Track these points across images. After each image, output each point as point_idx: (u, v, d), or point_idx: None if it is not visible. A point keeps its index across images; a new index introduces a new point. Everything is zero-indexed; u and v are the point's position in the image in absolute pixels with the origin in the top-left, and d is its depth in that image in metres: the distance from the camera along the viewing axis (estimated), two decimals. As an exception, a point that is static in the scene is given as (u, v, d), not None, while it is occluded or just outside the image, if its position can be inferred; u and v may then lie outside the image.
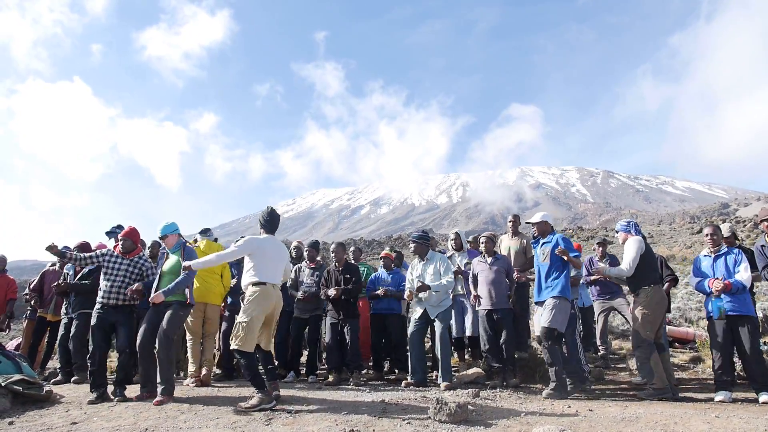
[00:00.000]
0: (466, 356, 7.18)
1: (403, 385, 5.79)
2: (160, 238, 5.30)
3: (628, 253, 5.30)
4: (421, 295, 5.92)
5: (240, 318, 4.53)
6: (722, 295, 5.06)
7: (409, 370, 5.99)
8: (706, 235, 5.49)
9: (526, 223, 6.09)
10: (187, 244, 5.45)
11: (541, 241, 5.62)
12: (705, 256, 5.46)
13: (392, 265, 7.15)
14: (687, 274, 20.11)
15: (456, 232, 7.15)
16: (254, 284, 4.63)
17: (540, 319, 5.38)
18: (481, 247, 6.24)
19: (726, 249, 5.36)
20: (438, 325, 5.88)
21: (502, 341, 5.82)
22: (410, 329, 6.06)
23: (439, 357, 5.85)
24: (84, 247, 6.75)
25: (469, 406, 4.09)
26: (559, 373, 5.14)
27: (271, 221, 4.96)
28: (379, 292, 6.57)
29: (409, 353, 6.11)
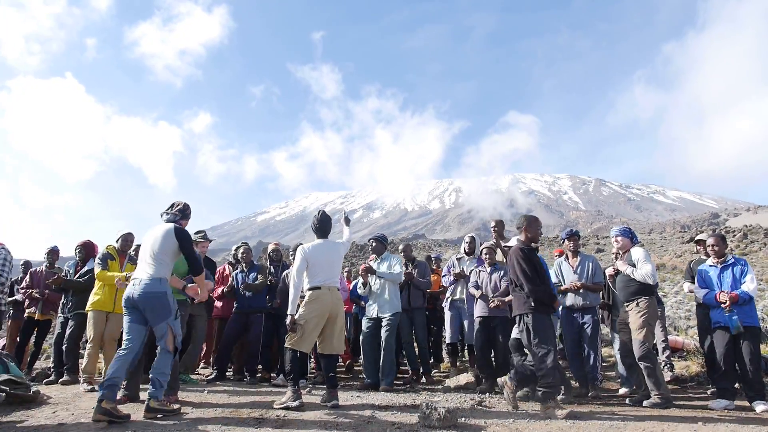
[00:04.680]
0: (458, 362, 7.20)
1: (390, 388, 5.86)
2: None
3: (647, 264, 5.14)
4: (369, 280, 6.25)
5: (298, 320, 4.67)
6: (734, 309, 4.99)
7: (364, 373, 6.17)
8: (710, 245, 5.39)
9: (505, 246, 6.10)
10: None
11: None
12: (711, 266, 5.37)
13: None
14: (677, 282, 20.26)
15: (471, 236, 7.22)
16: (309, 289, 4.81)
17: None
18: (484, 257, 6.28)
19: (732, 260, 5.30)
20: (384, 330, 5.98)
21: (496, 348, 5.86)
22: (363, 333, 6.22)
23: (383, 361, 5.93)
24: (87, 246, 6.70)
25: (459, 411, 4.10)
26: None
27: (321, 226, 5.05)
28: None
29: (362, 356, 6.30)
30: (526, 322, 4.68)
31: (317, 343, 4.87)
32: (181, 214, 4.56)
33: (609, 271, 5.80)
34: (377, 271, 6.18)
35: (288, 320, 4.67)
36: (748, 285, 5.07)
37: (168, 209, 4.58)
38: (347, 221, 5.68)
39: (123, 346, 4.17)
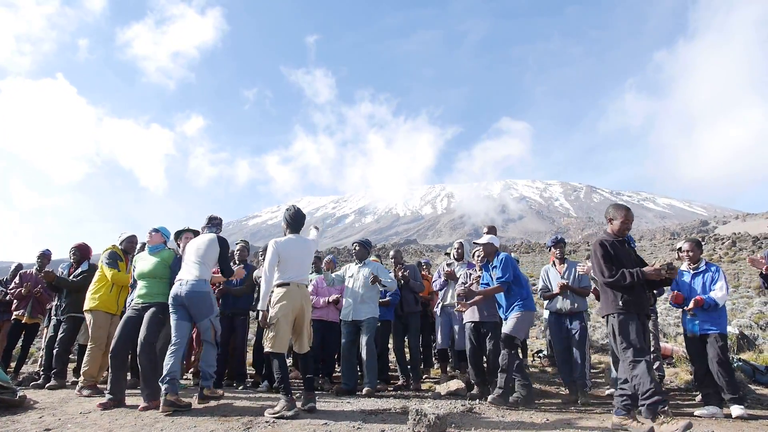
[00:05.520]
0: (448, 368, 7.20)
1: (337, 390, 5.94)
2: (155, 231, 5.35)
3: None
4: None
5: (268, 320, 4.63)
6: (696, 314, 5.12)
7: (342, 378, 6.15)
8: (685, 251, 5.50)
9: (474, 243, 6.11)
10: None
11: (491, 265, 5.72)
12: (685, 271, 5.48)
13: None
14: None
15: (460, 242, 7.19)
16: (278, 285, 4.73)
17: (503, 328, 5.50)
18: (475, 260, 6.24)
19: (704, 266, 5.40)
20: (364, 334, 5.99)
21: (487, 353, 5.86)
22: (342, 339, 6.20)
23: (365, 364, 5.95)
24: (82, 248, 6.61)
25: (449, 418, 4.09)
26: (508, 380, 5.24)
27: (294, 220, 5.05)
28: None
29: (341, 361, 6.27)
30: (611, 323, 4.20)
31: (292, 342, 4.85)
32: (218, 227, 5.37)
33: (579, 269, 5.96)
34: (377, 278, 6.09)
35: (260, 316, 4.69)
36: (717, 293, 5.13)
37: (208, 223, 5.35)
38: (317, 229, 5.54)
39: (172, 342, 4.70)
